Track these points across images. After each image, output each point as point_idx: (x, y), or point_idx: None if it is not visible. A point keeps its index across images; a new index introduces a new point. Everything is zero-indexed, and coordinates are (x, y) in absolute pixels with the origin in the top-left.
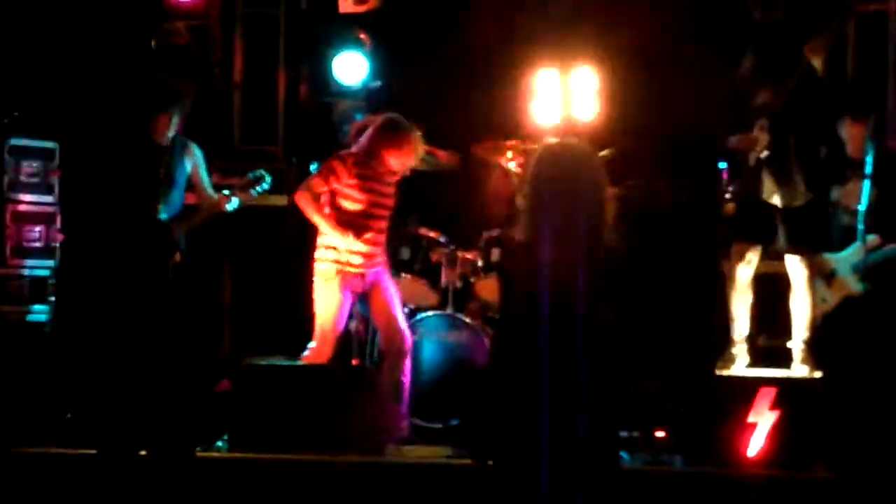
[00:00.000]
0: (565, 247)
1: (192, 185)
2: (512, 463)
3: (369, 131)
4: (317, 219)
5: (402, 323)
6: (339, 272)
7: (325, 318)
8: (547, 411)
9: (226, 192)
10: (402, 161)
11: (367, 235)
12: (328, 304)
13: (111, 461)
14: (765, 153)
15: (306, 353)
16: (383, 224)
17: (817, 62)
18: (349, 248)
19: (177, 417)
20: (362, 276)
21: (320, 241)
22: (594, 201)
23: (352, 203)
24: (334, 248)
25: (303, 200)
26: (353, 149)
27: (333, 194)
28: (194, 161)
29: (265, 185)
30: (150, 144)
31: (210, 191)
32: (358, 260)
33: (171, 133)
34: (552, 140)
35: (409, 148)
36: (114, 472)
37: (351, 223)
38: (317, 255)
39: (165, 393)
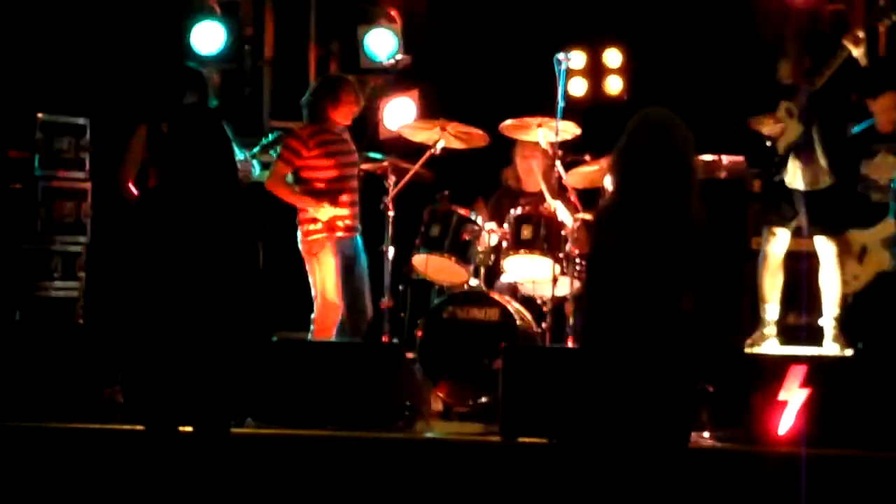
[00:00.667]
0: (656, 214)
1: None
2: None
3: (308, 99)
4: (293, 200)
5: (369, 301)
6: (328, 239)
7: (328, 288)
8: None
9: (243, 156)
10: (347, 111)
11: (344, 197)
12: (326, 272)
13: (151, 436)
14: (794, 138)
15: (312, 327)
16: (356, 182)
17: (858, 52)
18: (332, 214)
19: (216, 393)
20: (351, 238)
21: (302, 218)
22: (684, 169)
23: (322, 172)
24: (316, 220)
25: (274, 188)
26: (302, 123)
27: (300, 170)
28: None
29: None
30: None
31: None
32: (344, 222)
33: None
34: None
35: (348, 97)
36: (152, 447)
37: (327, 191)
38: (302, 233)
39: (204, 368)
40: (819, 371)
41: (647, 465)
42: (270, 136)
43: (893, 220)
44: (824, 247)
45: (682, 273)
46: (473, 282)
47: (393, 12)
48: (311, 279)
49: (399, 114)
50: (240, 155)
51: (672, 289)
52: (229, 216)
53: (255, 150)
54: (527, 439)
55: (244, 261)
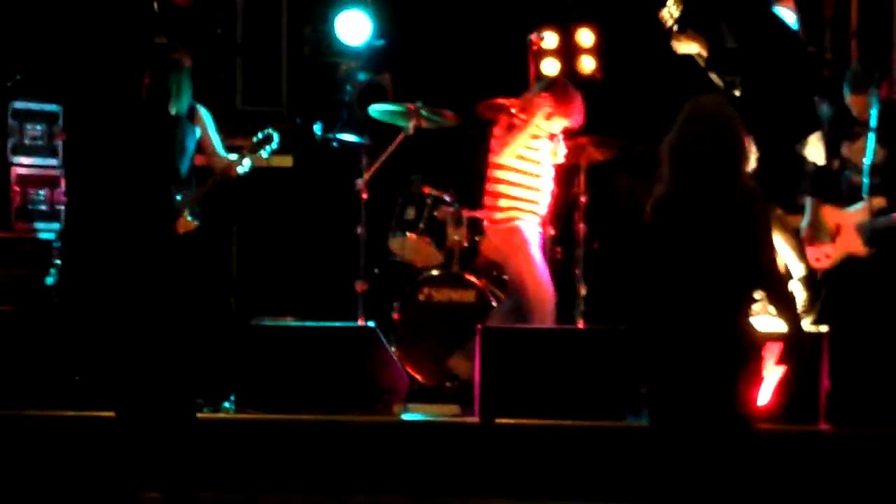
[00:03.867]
0: (710, 199)
1: (201, 148)
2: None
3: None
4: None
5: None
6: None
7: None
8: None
9: (235, 155)
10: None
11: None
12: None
13: (122, 423)
14: None
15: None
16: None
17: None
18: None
19: (182, 380)
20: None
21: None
22: (738, 154)
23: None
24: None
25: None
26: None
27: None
28: (203, 125)
29: (274, 145)
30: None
31: (222, 153)
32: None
33: (175, 101)
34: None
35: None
36: (123, 433)
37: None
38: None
39: (172, 355)
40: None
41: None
42: (260, 135)
43: (868, 202)
44: None
45: (741, 258)
46: (448, 263)
47: None
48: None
49: (372, 96)
50: (227, 154)
51: (732, 276)
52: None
53: (244, 149)
54: (504, 420)
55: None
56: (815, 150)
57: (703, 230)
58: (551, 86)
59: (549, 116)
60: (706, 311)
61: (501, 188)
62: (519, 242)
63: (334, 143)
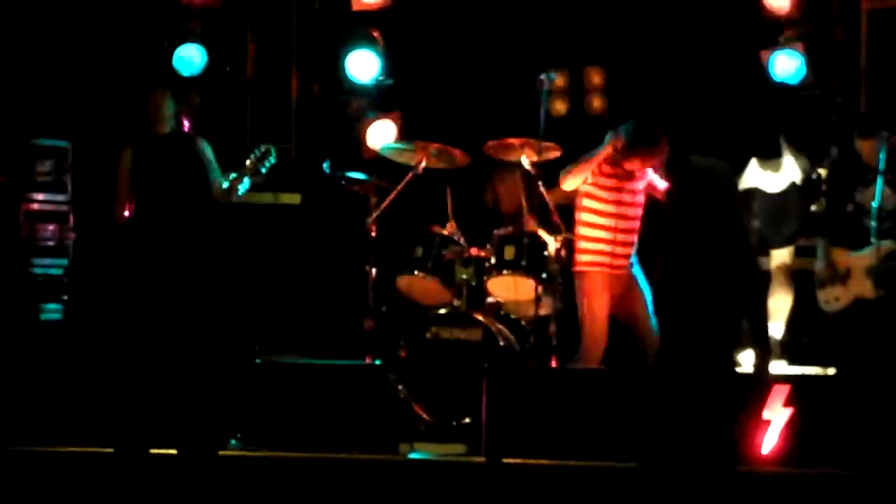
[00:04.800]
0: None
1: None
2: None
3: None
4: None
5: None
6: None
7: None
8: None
9: (234, 175)
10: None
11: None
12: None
13: (126, 459)
14: None
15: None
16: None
17: None
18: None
19: (202, 416)
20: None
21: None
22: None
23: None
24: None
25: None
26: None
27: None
28: (203, 157)
29: (272, 160)
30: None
31: (221, 183)
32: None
33: (168, 128)
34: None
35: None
36: (129, 470)
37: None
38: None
39: (188, 391)
40: (802, 390)
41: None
42: (257, 152)
43: (877, 246)
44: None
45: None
46: (456, 302)
47: (375, 34)
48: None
49: (381, 135)
50: (224, 182)
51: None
52: (205, 240)
53: (243, 168)
54: (511, 459)
55: (219, 283)
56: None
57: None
58: (633, 127)
59: (621, 157)
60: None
61: (578, 229)
62: (582, 287)
63: (343, 181)
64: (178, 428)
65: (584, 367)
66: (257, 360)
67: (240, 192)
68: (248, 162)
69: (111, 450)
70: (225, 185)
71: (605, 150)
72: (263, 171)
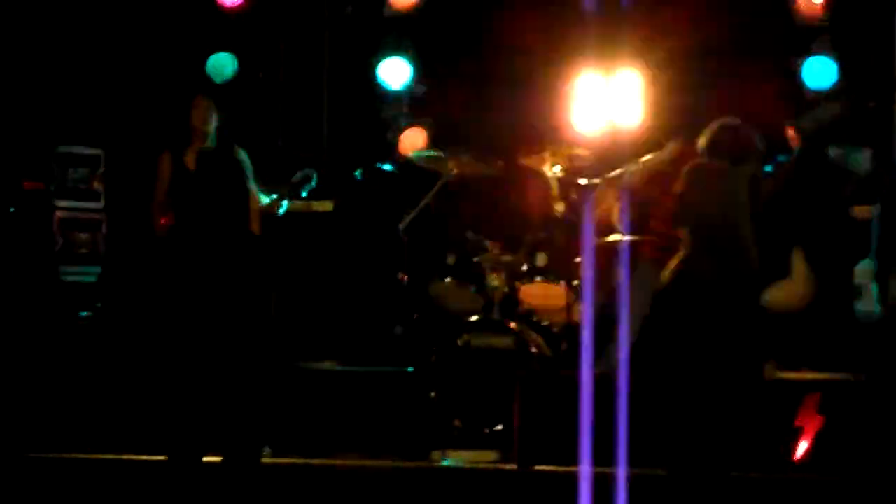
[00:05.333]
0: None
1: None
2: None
3: None
4: None
5: None
6: None
7: None
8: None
9: (274, 195)
10: None
11: None
12: None
13: (174, 467)
14: None
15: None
16: None
17: None
18: None
19: (245, 422)
20: None
21: None
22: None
23: None
24: None
25: None
26: None
27: None
28: (241, 164)
29: (313, 184)
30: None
31: (257, 194)
32: None
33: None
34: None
35: None
36: (175, 477)
37: None
38: None
39: (229, 398)
40: (835, 397)
41: None
42: (299, 175)
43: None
44: None
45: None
46: (488, 310)
47: (406, 40)
48: None
49: (413, 142)
50: (263, 197)
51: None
52: (244, 252)
53: (284, 190)
54: (543, 467)
55: (257, 296)
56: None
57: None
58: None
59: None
60: None
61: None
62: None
63: (375, 188)
64: (222, 435)
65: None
66: (299, 365)
67: (279, 212)
68: (289, 184)
69: (164, 457)
70: (265, 199)
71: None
72: (304, 194)
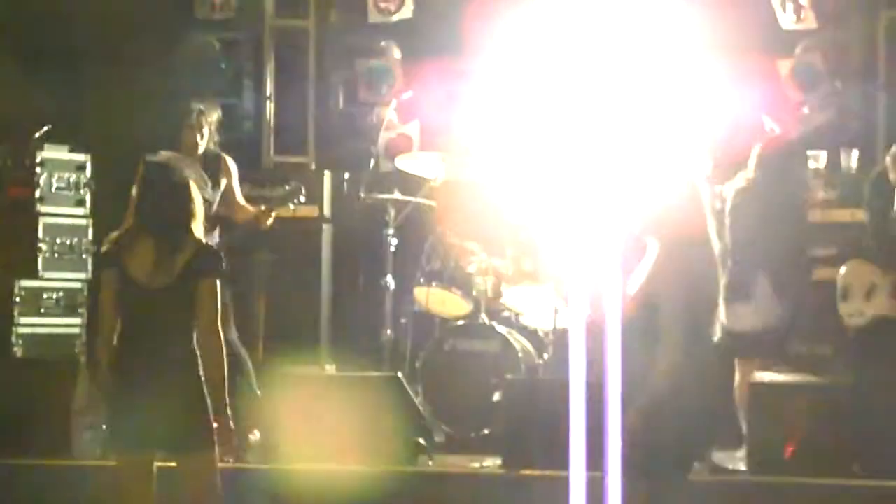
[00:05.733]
0: None
1: (224, 199)
2: None
3: None
4: None
5: None
6: None
7: None
8: None
9: (263, 207)
10: None
11: None
12: None
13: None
14: None
15: None
16: None
17: None
18: None
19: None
20: None
21: None
22: None
23: None
24: None
25: None
26: None
27: None
28: (229, 176)
29: (302, 199)
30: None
31: (243, 203)
32: None
33: (201, 148)
34: None
35: None
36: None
37: None
38: None
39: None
40: (821, 399)
41: None
42: (288, 187)
43: None
44: None
45: None
46: (474, 313)
47: (392, 45)
48: None
49: (399, 145)
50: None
51: None
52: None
53: (272, 203)
54: (529, 471)
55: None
56: None
57: None
58: None
59: None
60: None
61: None
62: None
63: (361, 193)
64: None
65: None
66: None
67: (265, 224)
68: (278, 197)
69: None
70: (248, 209)
71: None
72: (292, 206)
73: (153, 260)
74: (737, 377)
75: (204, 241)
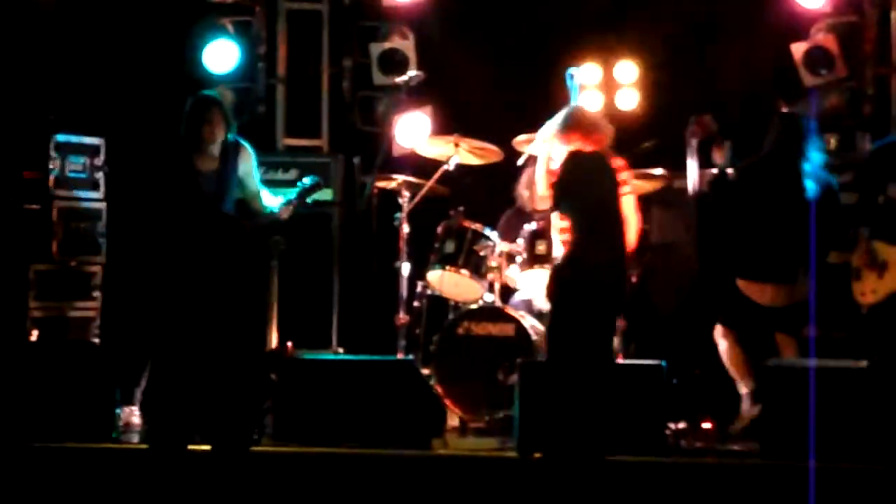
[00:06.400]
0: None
1: (242, 186)
2: None
3: None
4: None
5: None
6: None
7: None
8: None
9: (283, 203)
10: None
11: None
12: None
13: (162, 455)
14: None
15: None
16: None
17: None
18: None
19: (235, 411)
20: None
21: None
22: None
23: None
24: None
25: None
26: None
27: None
28: (248, 162)
29: (320, 194)
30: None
31: (259, 189)
32: None
33: (218, 137)
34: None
35: None
36: (164, 466)
37: None
38: None
39: (222, 387)
40: (836, 383)
41: None
42: (308, 182)
43: None
44: None
45: None
46: (488, 297)
47: (405, 28)
48: None
49: (412, 130)
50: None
51: None
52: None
53: (292, 197)
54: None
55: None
56: None
57: None
58: None
59: None
60: None
61: None
62: None
63: (374, 177)
64: (211, 424)
65: None
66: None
67: (286, 216)
68: (297, 192)
69: (147, 446)
70: (274, 210)
71: None
72: (309, 201)
73: None
74: (724, 345)
75: None
